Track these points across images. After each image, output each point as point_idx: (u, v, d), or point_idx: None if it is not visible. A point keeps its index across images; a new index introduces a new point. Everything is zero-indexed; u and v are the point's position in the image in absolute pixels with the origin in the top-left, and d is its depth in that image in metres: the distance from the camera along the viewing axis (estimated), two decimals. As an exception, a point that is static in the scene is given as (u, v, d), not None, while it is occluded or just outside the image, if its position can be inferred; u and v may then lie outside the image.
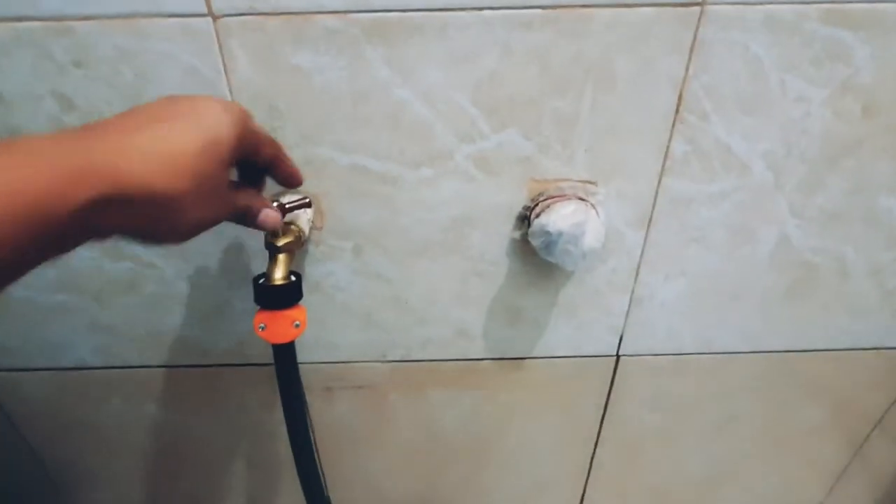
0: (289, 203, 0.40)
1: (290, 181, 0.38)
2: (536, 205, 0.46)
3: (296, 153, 0.44)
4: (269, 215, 0.36)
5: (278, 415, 0.54)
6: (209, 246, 0.49)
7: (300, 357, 0.57)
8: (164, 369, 0.58)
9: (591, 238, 0.44)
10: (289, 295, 0.40)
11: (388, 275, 0.51)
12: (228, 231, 0.48)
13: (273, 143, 0.35)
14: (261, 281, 0.40)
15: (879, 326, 0.57)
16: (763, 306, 0.54)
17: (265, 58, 0.40)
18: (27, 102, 0.42)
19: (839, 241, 0.50)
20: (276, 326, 0.40)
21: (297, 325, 0.41)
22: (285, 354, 0.42)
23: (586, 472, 0.69)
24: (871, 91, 0.43)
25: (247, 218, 0.35)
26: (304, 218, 0.45)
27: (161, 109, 0.29)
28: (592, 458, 0.68)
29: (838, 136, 0.44)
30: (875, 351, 0.59)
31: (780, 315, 0.55)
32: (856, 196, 0.47)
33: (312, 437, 0.64)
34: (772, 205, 0.48)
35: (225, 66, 0.41)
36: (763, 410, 0.63)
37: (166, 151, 0.27)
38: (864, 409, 0.65)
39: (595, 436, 0.65)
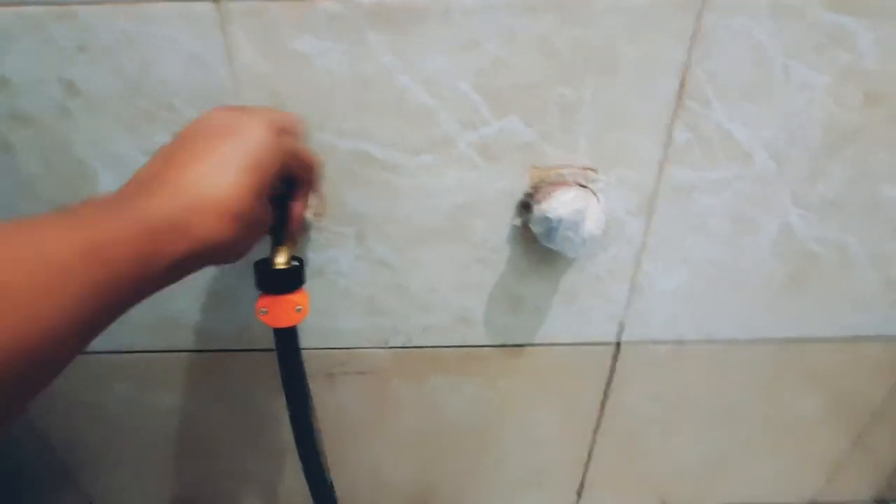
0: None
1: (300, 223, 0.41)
2: (537, 192, 0.46)
3: (298, 139, 0.44)
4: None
5: (283, 400, 0.54)
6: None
7: (303, 343, 0.58)
8: (169, 354, 0.58)
9: (592, 225, 0.44)
10: (291, 279, 0.41)
11: (391, 261, 0.52)
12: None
13: (309, 169, 0.38)
14: (263, 265, 0.41)
15: (880, 315, 0.57)
16: (764, 295, 0.54)
17: (267, 43, 0.40)
18: (32, 87, 0.42)
19: (841, 231, 0.50)
20: (278, 311, 0.41)
21: (299, 310, 0.41)
22: (287, 339, 0.42)
23: (586, 458, 0.70)
24: (873, 78, 0.42)
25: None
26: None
27: (209, 139, 0.31)
28: (592, 445, 0.68)
29: (840, 123, 0.44)
30: (876, 340, 0.59)
31: (781, 304, 0.55)
32: (858, 185, 0.47)
33: (315, 423, 0.65)
34: (774, 194, 0.48)
35: (228, 52, 0.41)
36: (762, 399, 0.64)
37: (225, 198, 0.29)
38: (863, 398, 0.65)
39: (595, 423, 0.66)
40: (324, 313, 0.55)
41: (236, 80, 0.42)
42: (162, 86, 0.42)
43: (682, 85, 0.42)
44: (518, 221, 0.49)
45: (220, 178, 0.29)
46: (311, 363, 0.60)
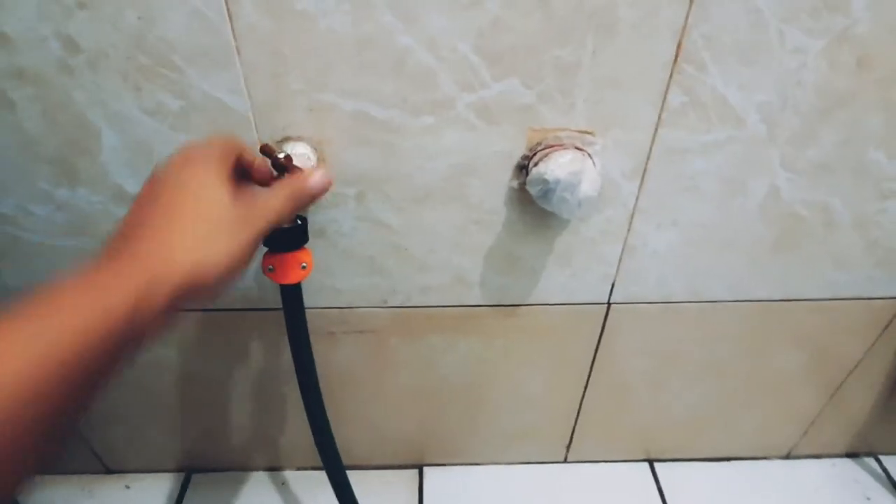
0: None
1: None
2: (535, 154, 0.47)
3: (300, 99, 0.45)
4: (318, 180, 0.37)
5: (285, 357, 0.56)
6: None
7: (305, 302, 0.59)
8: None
9: (588, 187, 0.45)
10: (296, 237, 0.42)
11: (390, 222, 0.53)
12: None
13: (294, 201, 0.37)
14: (268, 224, 0.42)
15: (862, 277, 0.59)
16: (751, 256, 0.56)
17: (269, 1, 0.40)
18: (32, 44, 0.42)
19: (827, 193, 0.52)
20: (284, 268, 0.42)
21: (304, 267, 0.43)
22: (293, 295, 0.44)
23: (575, 413, 0.73)
24: (866, 43, 0.43)
25: (303, 201, 0.37)
26: (307, 165, 0.46)
27: (166, 202, 0.31)
28: (581, 401, 0.71)
29: (832, 88, 0.45)
30: (856, 300, 0.61)
31: (767, 265, 0.57)
32: (846, 148, 0.49)
33: (316, 379, 0.67)
34: (764, 157, 0.49)
35: (229, 10, 0.41)
36: (745, 356, 0.67)
37: (199, 249, 0.29)
38: (841, 356, 0.68)
39: (585, 379, 0.69)
40: (325, 273, 0.57)
41: (238, 38, 0.42)
42: (163, 42, 0.42)
43: (679, 48, 0.43)
44: (515, 183, 0.50)
45: (192, 225, 0.30)
46: (313, 322, 0.60)
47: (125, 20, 0.41)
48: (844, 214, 0.53)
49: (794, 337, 0.65)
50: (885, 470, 0.80)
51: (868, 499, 0.77)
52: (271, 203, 0.35)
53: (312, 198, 0.37)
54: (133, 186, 0.50)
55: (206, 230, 0.30)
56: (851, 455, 0.82)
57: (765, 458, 0.81)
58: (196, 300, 0.30)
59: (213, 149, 0.34)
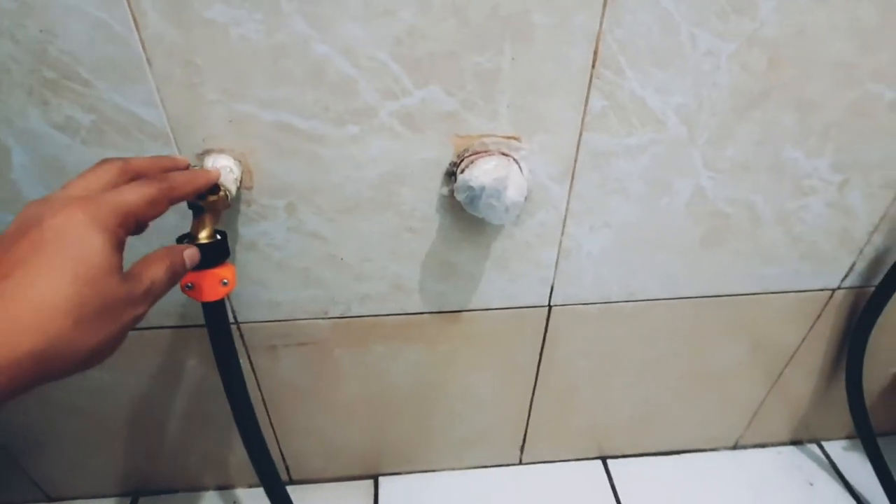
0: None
1: (204, 189, 0.39)
2: (462, 160, 0.47)
3: (218, 111, 0.44)
4: (190, 255, 0.36)
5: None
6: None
7: (242, 316, 0.58)
8: (103, 333, 0.57)
9: (514, 192, 0.45)
10: (215, 253, 0.41)
11: (323, 232, 0.52)
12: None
13: (163, 192, 0.33)
14: (186, 240, 0.41)
15: (790, 270, 0.61)
16: (682, 255, 0.57)
17: (176, 11, 0.39)
18: (-75, 59, 0.40)
19: (749, 191, 0.53)
20: (204, 285, 0.41)
21: (225, 283, 0.42)
22: (215, 312, 0.43)
23: (526, 416, 0.73)
24: (775, 44, 0.45)
25: (175, 278, 0.34)
26: (230, 178, 0.45)
27: (25, 247, 0.26)
28: (531, 403, 0.72)
29: (746, 88, 0.47)
30: (787, 293, 0.63)
31: (698, 262, 0.58)
32: (763, 147, 0.50)
33: (260, 393, 0.66)
34: (686, 157, 0.50)
35: (135, 20, 0.40)
36: (686, 352, 0.68)
37: (49, 305, 0.25)
38: (778, 347, 0.70)
39: (533, 382, 0.69)
40: (261, 286, 0.55)
41: (147, 49, 0.41)
42: (67, 55, 0.40)
43: (595, 53, 0.44)
44: (446, 190, 0.50)
45: (48, 281, 0.25)
46: (253, 336, 0.60)
47: (26, 33, 0.39)
48: (767, 211, 0.55)
49: (730, 331, 0.66)
50: (827, 455, 0.83)
51: (811, 484, 0.79)
52: (157, 276, 0.31)
53: (183, 272, 0.35)
54: (48, 204, 0.48)
55: (80, 305, 0.26)
56: (795, 442, 0.84)
57: (713, 449, 0.83)
58: (32, 386, 0.25)
59: (112, 196, 0.30)
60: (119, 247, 0.29)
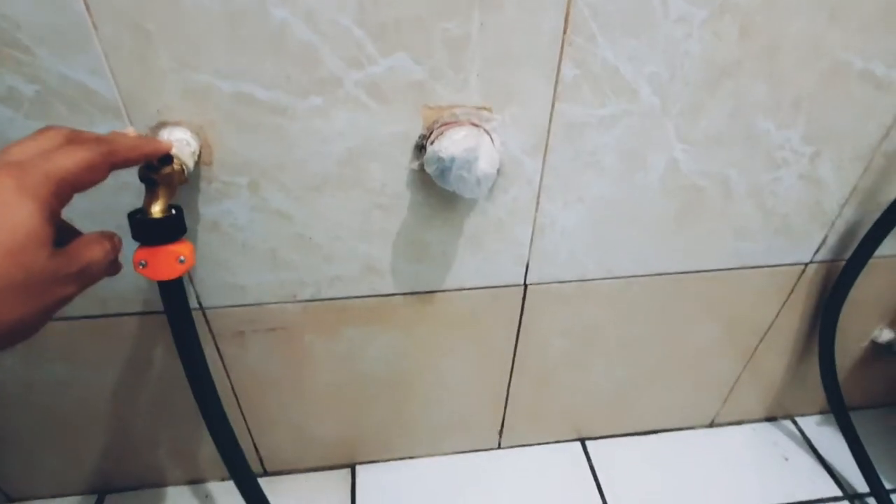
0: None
1: (152, 157, 0.36)
2: (431, 133, 0.46)
3: (172, 81, 0.42)
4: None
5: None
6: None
7: (207, 302, 0.56)
8: (58, 322, 0.55)
9: (485, 163, 0.44)
10: (169, 228, 0.39)
11: (289, 211, 0.50)
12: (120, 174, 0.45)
13: (103, 156, 0.30)
14: (138, 215, 0.38)
15: (763, 245, 0.61)
16: (656, 230, 0.57)
17: (122, -29, 0.37)
18: None
19: (722, 165, 0.53)
20: (159, 263, 0.39)
21: (182, 261, 0.39)
22: (173, 292, 0.40)
23: (504, 399, 0.73)
24: (747, 12, 0.44)
25: (114, 266, 0.32)
26: (187, 151, 0.42)
27: None
28: (509, 386, 0.71)
29: (718, 58, 0.46)
30: (760, 269, 0.63)
31: (673, 238, 0.58)
32: (735, 119, 0.50)
33: (229, 383, 0.63)
34: (659, 129, 0.49)
35: (78, -20, 0.37)
36: (661, 330, 0.68)
37: None
38: (752, 323, 0.70)
39: (510, 364, 0.68)
40: (224, 269, 0.53)
41: (93, 13, 0.38)
42: (5, 20, 0.38)
43: (566, 20, 0.42)
44: (416, 165, 0.48)
45: None
46: (218, 322, 0.58)
47: (-42, 0, 0.37)
48: (741, 184, 0.54)
49: (705, 307, 0.66)
50: (800, 430, 0.84)
51: (786, 459, 0.80)
52: (95, 257, 0.29)
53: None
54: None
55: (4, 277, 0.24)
56: (770, 419, 0.85)
57: (690, 428, 0.83)
58: None
59: (45, 162, 0.27)
60: (51, 218, 0.26)
